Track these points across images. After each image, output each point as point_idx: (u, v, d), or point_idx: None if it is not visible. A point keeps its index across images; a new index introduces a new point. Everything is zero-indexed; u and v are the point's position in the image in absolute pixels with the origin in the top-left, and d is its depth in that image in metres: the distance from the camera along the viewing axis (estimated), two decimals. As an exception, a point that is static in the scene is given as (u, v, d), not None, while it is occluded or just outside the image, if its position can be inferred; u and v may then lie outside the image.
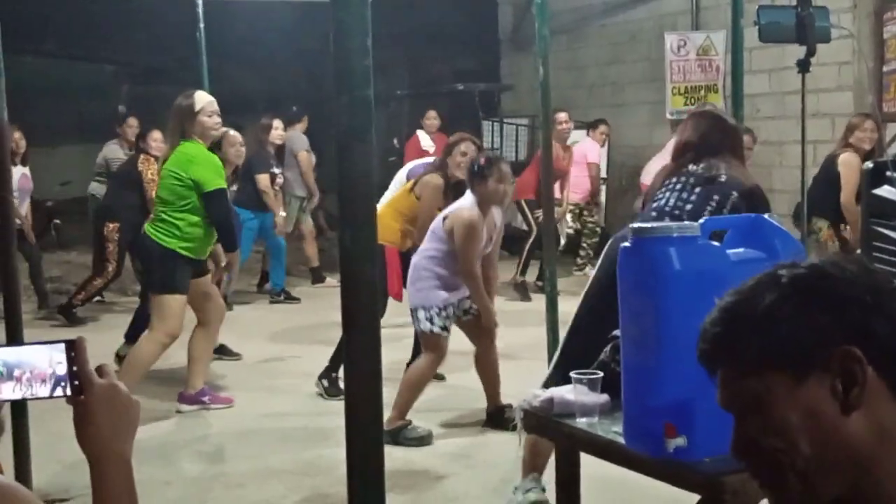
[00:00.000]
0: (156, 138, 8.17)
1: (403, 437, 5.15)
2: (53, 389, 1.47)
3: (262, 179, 8.88)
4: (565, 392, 2.77)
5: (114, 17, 15.28)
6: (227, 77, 12.95)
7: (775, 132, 10.01)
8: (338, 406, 5.77)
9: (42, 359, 1.46)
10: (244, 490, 4.69)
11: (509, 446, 4.72)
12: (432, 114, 11.02)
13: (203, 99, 5.73)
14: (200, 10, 9.02)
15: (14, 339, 3.88)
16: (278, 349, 7.47)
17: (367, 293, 2.13)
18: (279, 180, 9.11)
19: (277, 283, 9.51)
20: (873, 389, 1.23)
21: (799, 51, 5.57)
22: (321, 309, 8.52)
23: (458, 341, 5.51)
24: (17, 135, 8.53)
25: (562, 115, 9.49)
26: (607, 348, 2.91)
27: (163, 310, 5.60)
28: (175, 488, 4.62)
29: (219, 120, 5.73)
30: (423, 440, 5.19)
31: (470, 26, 15.61)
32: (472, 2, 15.49)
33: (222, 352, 7.07)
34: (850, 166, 7.11)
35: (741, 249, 2.54)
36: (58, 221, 8.93)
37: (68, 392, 1.47)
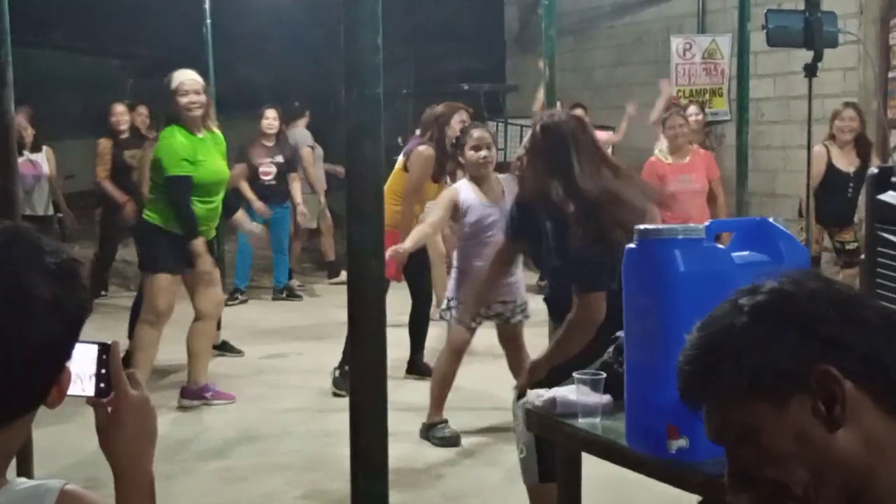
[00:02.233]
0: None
1: (433, 434, 5.16)
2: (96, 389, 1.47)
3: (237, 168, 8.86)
4: (568, 392, 2.77)
5: (121, 11, 15.29)
6: (234, 72, 12.97)
7: (780, 137, 10.01)
8: (339, 402, 5.80)
9: (83, 356, 1.45)
10: (246, 484, 4.70)
11: (510, 446, 4.74)
12: None
13: (178, 77, 5.58)
14: (207, 4, 9.01)
15: None
16: (280, 346, 7.48)
17: (374, 288, 2.14)
18: (268, 170, 8.93)
19: (280, 279, 9.51)
20: (855, 401, 1.22)
21: (804, 55, 5.58)
22: (324, 306, 8.54)
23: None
24: (24, 122, 8.45)
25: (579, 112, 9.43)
26: (610, 349, 2.91)
27: (149, 287, 5.62)
28: (176, 483, 4.63)
29: (195, 99, 5.53)
30: (448, 441, 5.17)
31: (476, 26, 15.60)
32: (478, 2, 15.49)
33: (224, 348, 7.09)
34: (813, 155, 7.21)
35: (746, 252, 2.55)
36: (60, 215, 8.95)
37: (91, 393, 1.47)
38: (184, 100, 5.49)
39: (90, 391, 1.46)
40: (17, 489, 1.35)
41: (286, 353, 7.29)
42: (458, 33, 15.81)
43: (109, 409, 1.47)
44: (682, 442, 2.30)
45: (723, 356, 1.26)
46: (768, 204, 9.54)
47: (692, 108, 8.62)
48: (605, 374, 2.73)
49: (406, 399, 5.68)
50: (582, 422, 2.70)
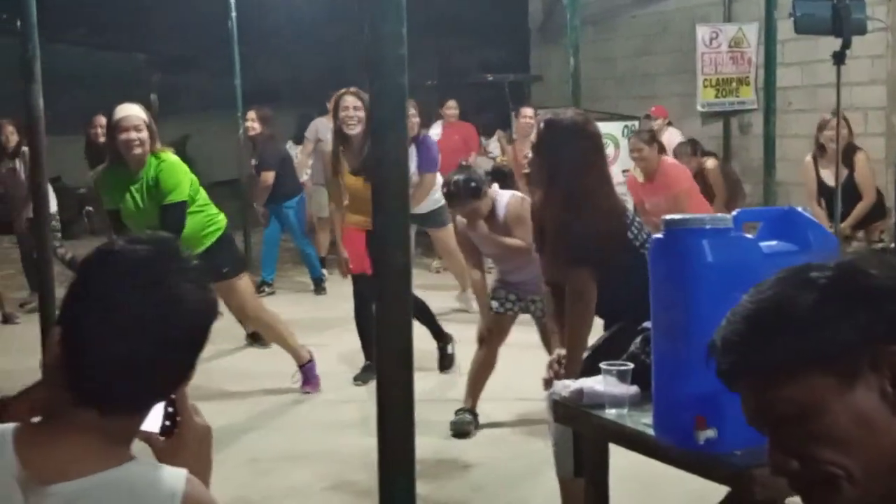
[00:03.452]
0: None
1: (453, 418, 5.17)
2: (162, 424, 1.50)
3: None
4: (595, 383, 2.76)
5: (146, 7, 15.38)
6: (257, 67, 13.01)
7: (807, 125, 9.92)
8: (365, 393, 5.80)
9: None
10: (272, 477, 4.72)
11: (537, 438, 4.74)
12: (452, 104, 10.98)
13: (119, 112, 5.16)
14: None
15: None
16: (305, 338, 7.47)
17: (400, 279, 2.13)
18: (252, 172, 9.09)
19: (311, 272, 9.50)
20: None
21: (832, 43, 5.52)
22: (349, 298, 8.53)
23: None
24: (10, 129, 8.33)
25: (527, 111, 9.59)
26: (637, 340, 2.90)
27: None
28: (203, 474, 4.65)
29: (134, 137, 5.07)
30: (455, 426, 5.16)
31: (500, 17, 15.58)
32: (502, -8, 15.48)
33: (255, 339, 7.17)
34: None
35: (774, 242, 2.53)
36: (90, 209, 9.00)
37: (156, 430, 1.50)
38: (122, 136, 5.07)
39: (156, 427, 1.50)
40: (141, 469, 1.41)
41: (311, 344, 7.29)
42: (481, 24, 15.80)
43: (163, 439, 1.51)
44: (710, 433, 2.29)
45: (792, 326, 1.21)
46: (796, 193, 9.48)
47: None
48: (632, 365, 2.72)
49: (433, 389, 5.68)
50: (609, 412, 2.69)
